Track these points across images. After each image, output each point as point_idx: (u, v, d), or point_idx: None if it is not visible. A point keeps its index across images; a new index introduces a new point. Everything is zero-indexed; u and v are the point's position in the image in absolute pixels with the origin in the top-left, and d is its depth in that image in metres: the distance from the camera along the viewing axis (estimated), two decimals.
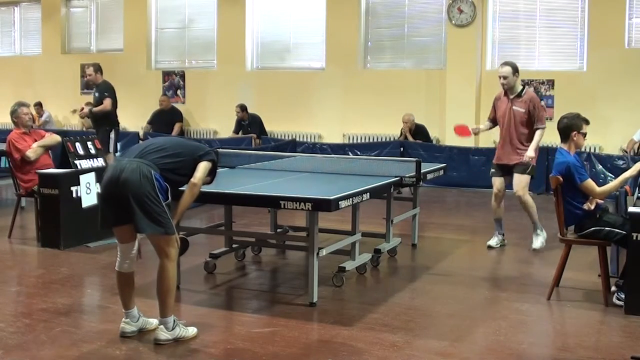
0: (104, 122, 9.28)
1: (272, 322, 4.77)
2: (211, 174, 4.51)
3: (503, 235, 7.18)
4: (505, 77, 6.96)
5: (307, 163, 7.18)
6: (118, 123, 9.56)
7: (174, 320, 4.33)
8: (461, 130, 7.47)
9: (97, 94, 9.45)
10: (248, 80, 13.89)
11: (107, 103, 9.22)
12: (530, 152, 6.83)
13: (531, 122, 6.89)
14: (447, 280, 5.92)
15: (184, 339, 4.34)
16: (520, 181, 6.91)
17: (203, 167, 4.41)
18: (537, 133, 6.86)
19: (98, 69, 9.43)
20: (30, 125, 7.35)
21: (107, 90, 9.32)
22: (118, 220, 4.26)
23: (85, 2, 15.58)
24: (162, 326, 4.29)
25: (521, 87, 7.06)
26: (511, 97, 7.00)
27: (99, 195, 4.46)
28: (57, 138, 7.25)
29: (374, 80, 12.86)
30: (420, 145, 11.48)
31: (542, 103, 11.49)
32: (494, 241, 7.12)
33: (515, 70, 7.00)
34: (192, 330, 4.41)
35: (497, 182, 7.10)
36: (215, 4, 14.04)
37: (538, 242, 6.99)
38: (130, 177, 4.11)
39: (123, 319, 4.42)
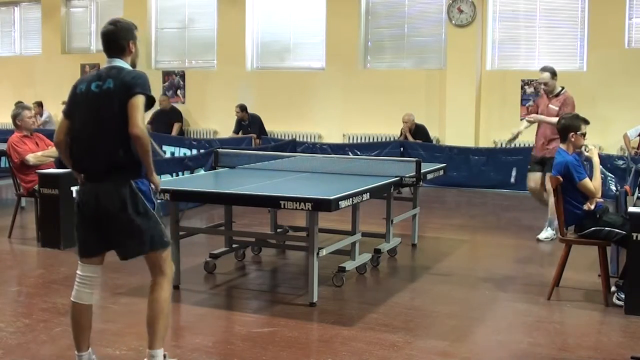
0: None
1: (272, 322, 4.77)
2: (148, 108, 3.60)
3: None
4: (545, 83, 7.46)
5: (307, 163, 7.19)
6: None
7: (165, 356, 3.75)
8: None
9: None
10: (248, 80, 13.89)
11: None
12: (535, 116, 7.42)
13: None
14: (447, 280, 5.92)
15: None
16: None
17: (135, 107, 3.48)
18: (556, 119, 7.12)
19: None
20: (32, 129, 7.36)
21: None
22: (103, 248, 3.72)
23: (85, 2, 15.59)
24: None
25: (560, 88, 7.49)
26: (550, 97, 7.45)
27: (76, 223, 3.73)
28: None
29: (374, 80, 12.86)
30: (420, 145, 11.47)
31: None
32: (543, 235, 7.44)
33: (553, 74, 7.46)
34: None
35: (532, 179, 7.48)
36: (215, 4, 14.05)
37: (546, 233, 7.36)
38: (111, 206, 3.55)
39: None
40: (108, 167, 3.57)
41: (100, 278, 3.85)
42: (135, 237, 3.61)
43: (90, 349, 3.77)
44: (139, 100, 3.51)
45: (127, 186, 3.57)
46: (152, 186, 3.69)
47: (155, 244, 3.65)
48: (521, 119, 7.47)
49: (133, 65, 3.75)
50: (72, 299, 3.74)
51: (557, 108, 7.24)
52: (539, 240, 7.30)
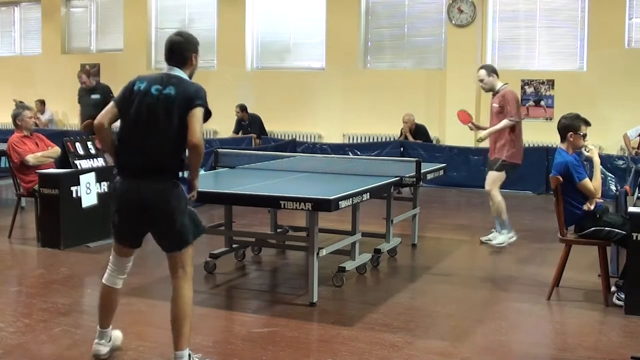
0: None
1: (272, 322, 4.77)
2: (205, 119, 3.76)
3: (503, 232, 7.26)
4: (481, 80, 7.21)
5: (307, 163, 7.19)
6: None
7: (189, 355, 3.78)
8: (463, 117, 7.50)
9: (99, 96, 9.50)
10: (248, 80, 13.89)
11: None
12: (483, 133, 7.21)
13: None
14: (447, 280, 5.92)
15: None
16: (489, 177, 7.14)
17: (196, 118, 3.66)
18: (503, 122, 7.02)
19: (90, 73, 9.51)
20: (32, 129, 7.36)
21: (110, 92, 9.34)
22: (140, 242, 3.90)
23: (85, 2, 15.59)
24: None
25: (501, 85, 7.19)
26: (493, 95, 7.21)
27: (117, 216, 3.81)
28: (58, 151, 7.24)
29: (374, 80, 12.86)
30: (420, 145, 11.47)
31: (542, 103, 11.66)
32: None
33: (491, 71, 7.20)
34: None
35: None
36: (215, 4, 14.05)
37: (495, 239, 7.10)
38: (153, 201, 3.67)
39: (96, 340, 3.98)
40: (155, 167, 3.69)
41: (131, 266, 4.02)
42: (173, 233, 3.73)
43: (111, 326, 4.01)
44: (200, 112, 3.67)
45: (169, 183, 3.71)
46: (190, 191, 3.83)
47: (188, 242, 3.78)
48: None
49: (190, 77, 3.87)
50: (103, 281, 3.94)
51: (497, 106, 7.05)
52: (480, 241, 7.12)
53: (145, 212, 3.71)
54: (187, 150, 3.70)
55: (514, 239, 7.11)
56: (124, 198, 3.76)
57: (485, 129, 7.34)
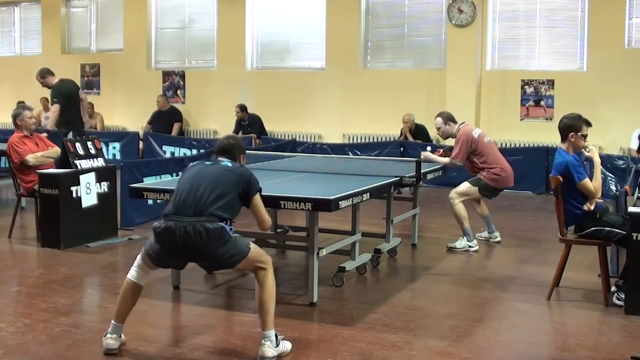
0: (59, 125, 9.19)
1: None
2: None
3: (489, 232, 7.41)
4: (438, 128, 7.22)
5: (307, 163, 7.19)
6: (76, 125, 9.20)
7: (276, 335, 4.10)
8: None
9: (50, 98, 9.47)
10: (248, 80, 13.89)
11: (53, 109, 9.12)
12: (425, 154, 7.24)
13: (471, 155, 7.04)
14: (447, 280, 5.92)
15: (284, 354, 4.12)
16: (461, 184, 7.13)
17: (261, 205, 4.29)
18: (446, 158, 7.05)
19: (45, 72, 9.26)
20: (33, 129, 7.36)
21: (56, 95, 9.15)
22: (180, 267, 4.45)
23: (85, 2, 15.59)
24: (268, 342, 4.02)
25: (457, 126, 7.12)
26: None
27: (158, 250, 4.07)
28: (58, 151, 7.23)
29: (374, 80, 12.86)
30: (420, 145, 11.44)
31: (542, 103, 11.67)
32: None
33: (447, 119, 7.15)
34: (289, 345, 4.20)
35: None
36: (215, 4, 14.05)
37: (458, 243, 6.98)
38: (205, 247, 3.95)
39: (109, 335, 4.13)
40: (203, 213, 4.00)
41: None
42: (220, 260, 4.07)
43: (123, 324, 4.19)
44: (259, 198, 4.29)
45: (222, 233, 4.00)
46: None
47: (238, 259, 4.07)
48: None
49: None
50: (129, 277, 4.16)
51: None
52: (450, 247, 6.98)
53: (190, 252, 3.99)
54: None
55: (475, 248, 6.95)
56: (168, 237, 3.98)
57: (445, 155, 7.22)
